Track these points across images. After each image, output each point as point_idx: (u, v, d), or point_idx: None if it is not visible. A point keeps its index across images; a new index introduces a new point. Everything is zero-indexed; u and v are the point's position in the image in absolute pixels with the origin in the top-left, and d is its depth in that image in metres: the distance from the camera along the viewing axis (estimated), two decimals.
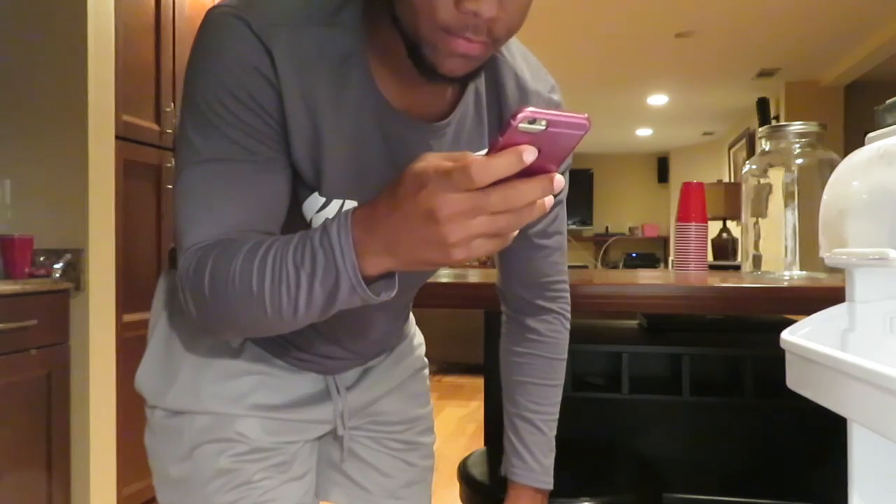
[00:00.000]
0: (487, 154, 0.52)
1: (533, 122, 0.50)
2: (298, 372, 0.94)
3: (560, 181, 0.54)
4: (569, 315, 1.06)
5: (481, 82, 0.83)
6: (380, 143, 0.76)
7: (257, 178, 0.71)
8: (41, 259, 2.39)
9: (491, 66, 0.83)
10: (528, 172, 0.52)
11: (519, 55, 0.87)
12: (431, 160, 0.54)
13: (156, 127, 2.77)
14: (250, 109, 0.70)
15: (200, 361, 0.89)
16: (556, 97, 0.89)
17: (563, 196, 0.97)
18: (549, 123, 0.50)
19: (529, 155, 0.51)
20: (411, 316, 1.11)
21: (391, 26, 0.70)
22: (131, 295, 2.64)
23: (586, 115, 0.52)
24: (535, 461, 1.04)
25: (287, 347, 0.91)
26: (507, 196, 0.52)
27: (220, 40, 0.70)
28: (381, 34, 0.73)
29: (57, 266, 2.36)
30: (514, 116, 0.50)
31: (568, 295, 1.05)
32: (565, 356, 1.06)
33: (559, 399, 1.06)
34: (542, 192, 0.53)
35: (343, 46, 0.73)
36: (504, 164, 0.51)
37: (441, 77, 0.68)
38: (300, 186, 0.77)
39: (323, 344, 0.91)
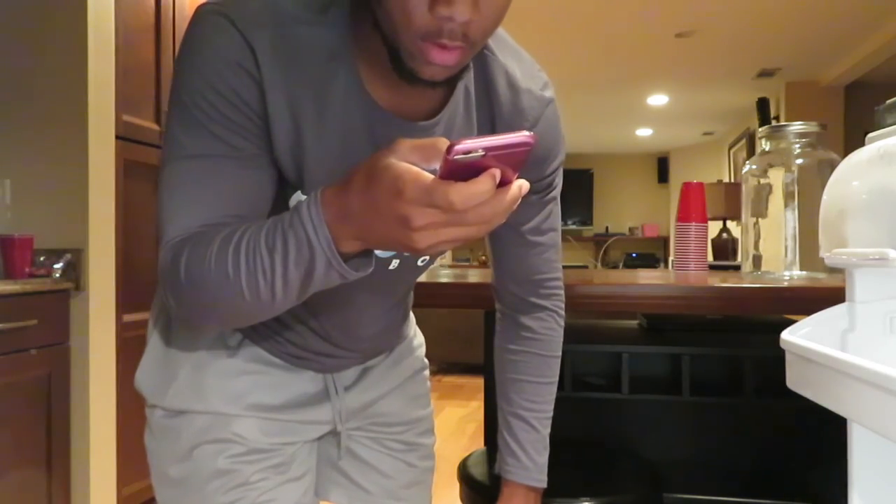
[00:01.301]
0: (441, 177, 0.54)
1: (469, 153, 0.52)
2: (297, 371, 0.93)
3: (525, 186, 0.56)
4: (563, 313, 1.06)
5: (471, 80, 0.82)
6: (367, 143, 0.76)
7: (240, 174, 0.72)
8: (41, 259, 2.39)
9: (480, 65, 0.83)
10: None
11: (510, 53, 0.86)
12: (404, 153, 0.56)
13: (156, 127, 2.77)
14: (234, 106, 0.70)
15: (199, 361, 0.89)
16: (548, 94, 0.89)
17: (557, 193, 0.96)
18: (487, 150, 0.52)
19: (497, 175, 0.54)
20: (411, 316, 1.11)
21: (374, 29, 0.70)
22: (131, 295, 2.64)
23: (529, 133, 0.54)
24: (529, 459, 1.03)
25: (284, 345, 0.91)
26: (480, 211, 0.55)
27: (205, 37, 0.71)
28: (366, 33, 0.73)
29: (57, 266, 2.36)
30: (448, 151, 0.52)
31: (562, 293, 1.05)
32: (559, 353, 1.06)
33: (553, 397, 1.06)
34: (511, 203, 0.56)
35: (329, 45, 0.73)
36: (483, 189, 0.53)
37: (422, 82, 0.69)
38: (286, 185, 0.77)
39: (317, 341, 0.91)
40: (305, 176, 0.75)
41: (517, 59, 0.87)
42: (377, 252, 0.81)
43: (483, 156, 0.52)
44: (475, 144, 0.52)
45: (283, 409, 0.92)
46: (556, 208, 0.98)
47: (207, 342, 0.90)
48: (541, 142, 0.85)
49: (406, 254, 0.84)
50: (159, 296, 0.95)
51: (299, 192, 0.77)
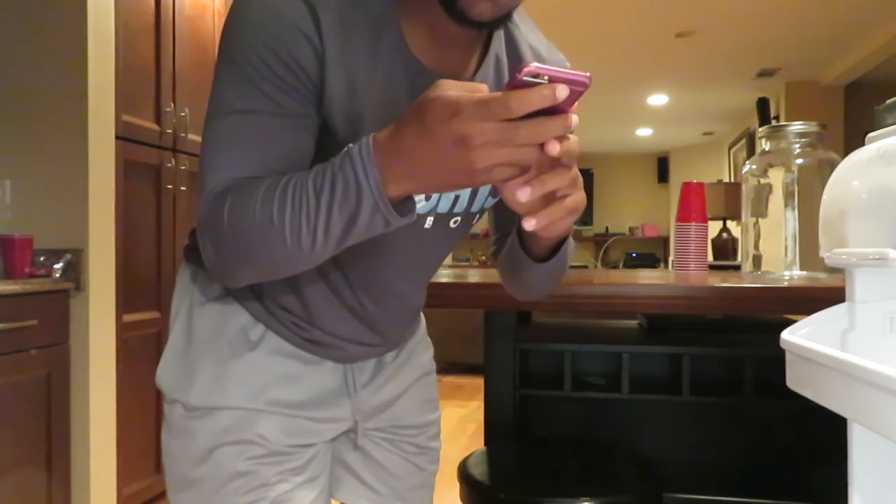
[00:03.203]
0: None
1: (536, 76, 0.55)
2: (317, 363, 0.93)
3: (575, 120, 0.59)
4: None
5: (501, 49, 0.86)
6: (406, 98, 0.78)
7: (285, 132, 0.73)
8: (41, 259, 2.39)
9: (508, 36, 0.88)
10: (544, 113, 0.58)
11: (531, 30, 0.92)
12: (454, 88, 0.58)
13: (156, 127, 2.77)
14: (288, 67, 0.72)
15: (221, 355, 0.90)
16: (567, 66, 0.94)
17: None
18: (552, 79, 0.56)
19: (562, 91, 0.56)
20: (423, 319, 1.12)
21: None
22: (131, 295, 2.64)
23: (587, 73, 0.57)
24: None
25: (308, 330, 0.91)
26: (534, 130, 0.57)
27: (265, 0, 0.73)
28: None
29: (57, 266, 2.36)
30: (519, 70, 0.55)
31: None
32: (573, 246, 0.94)
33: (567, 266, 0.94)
34: (563, 128, 0.58)
35: (378, 5, 0.76)
36: (540, 96, 0.56)
37: (470, 22, 0.71)
38: (332, 146, 0.77)
39: (343, 317, 0.91)
40: (360, 131, 0.77)
41: (538, 36, 0.93)
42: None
43: (546, 83, 0.56)
44: (543, 69, 0.55)
45: (303, 406, 0.92)
46: None
47: (229, 335, 0.90)
48: None
49: (437, 197, 0.83)
50: (179, 289, 0.95)
51: (350, 146, 0.78)
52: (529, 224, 0.66)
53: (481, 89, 0.58)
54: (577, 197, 0.68)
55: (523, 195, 0.62)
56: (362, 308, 0.91)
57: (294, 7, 0.72)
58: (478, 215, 0.92)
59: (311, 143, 0.76)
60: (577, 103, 0.60)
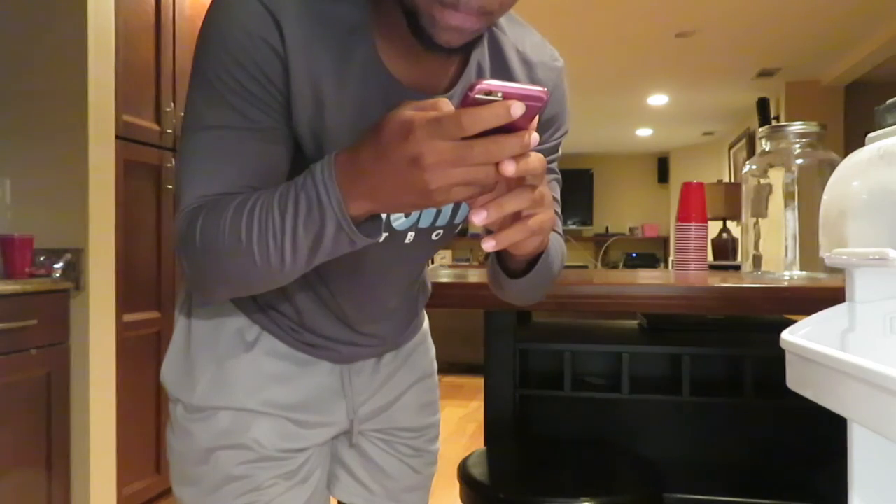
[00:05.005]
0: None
1: (489, 94, 0.54)
2: (313, 363, 0.94)
3: (535, 139, 0.57)
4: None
5: (484, 57, 0.84)
6: (382, 114, 0.77)
7: (257, 146, 0.73)
8: (41, 259, 2.39)
9: (493, 42, 0.85)
10: (501, 132, 0.56)
11: (519, 30, 0.88)
12: (411, 107, 0.57)
13: (156, 127, 2.77)
14: (256, 80, 0.71)
15: (219, 356, 0.91)
16: (559, 63, 0.91)
17: (556, 166, 0.94)
18: (505, 96, 0.54)
19: (517, 108, 0.54)
20: (426, 322, 1.11)
21: (394, 2, 0.71)
22: (131, 295, 2.64)
23: (544, 88, 0.55)
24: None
25: (301, 333, 0.92)
26: (489, 149, 0.55)
27: (230, 12, 0.72)
28: (386, 7, 0.74)
29: (57, 266, 2.36)
30: (471, 88, 0.54)
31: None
32: (563, 252, 0.93)
33: (557, 273, 0.90)
34: (520, 146, 0.56)
35: (349, 19, 0.74)
36: (492, 114, 0.54)
37: (438, 48, 0.70)
38: (305, 160, 0.77)
39: (333, 323, 0.91)
40: (325, 148, 0.76)
41: (526, 35, 0.89)
42: (395, 226, 0.82)
43: (500, 100, 0.54)
44: (496, 86, 0.54)
45: (297, 408, 0.92)
46: (557, 183, 0.95)
47: (226, 337, 0.91)
48: (552, 106, 0.87)
49: (418, 212, 0.83)
50: (183, 289, 0.96)
51: (313, 165, 0.78)
52: (488, 245, 0.64)
53: (442, 107, 0.56)
54: (543, 217, 0.66)
55: (478, 219, 0.60)
56: (346, 316, 0.92)
57: (260, 20, 0.71)
58: (461, 224, 0.91)
59: (284, 155, 0.75)
60: (536, 119, 0.58)
